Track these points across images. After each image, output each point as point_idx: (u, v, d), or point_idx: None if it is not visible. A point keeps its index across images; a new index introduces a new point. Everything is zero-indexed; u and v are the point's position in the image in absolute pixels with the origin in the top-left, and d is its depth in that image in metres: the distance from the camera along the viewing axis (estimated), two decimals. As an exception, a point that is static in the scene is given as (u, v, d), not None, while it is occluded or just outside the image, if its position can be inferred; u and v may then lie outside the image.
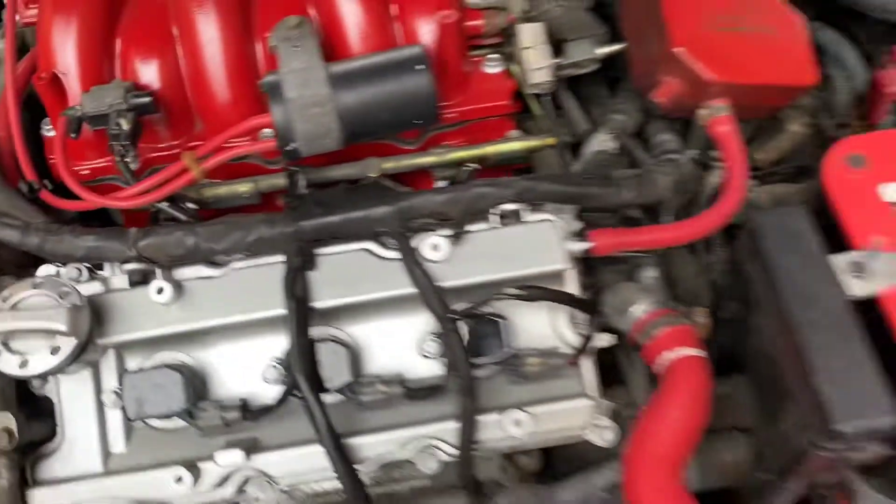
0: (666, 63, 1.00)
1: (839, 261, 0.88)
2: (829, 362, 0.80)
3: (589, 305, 0.93)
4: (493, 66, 1.06)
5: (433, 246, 0.89)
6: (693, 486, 1.04)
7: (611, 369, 1.04)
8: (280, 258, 0.90)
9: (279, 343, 0.90)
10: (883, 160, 0.95)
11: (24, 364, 0.82)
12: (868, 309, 0.86)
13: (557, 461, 1.09)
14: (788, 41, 1.04)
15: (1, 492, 0.84)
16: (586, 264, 1.04)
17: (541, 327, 0.94)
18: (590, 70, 1.11)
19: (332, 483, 0.91)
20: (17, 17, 1.07)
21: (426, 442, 0.90)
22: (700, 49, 0.98)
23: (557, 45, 1.10)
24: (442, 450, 0.91)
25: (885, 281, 0.86)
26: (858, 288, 0.86)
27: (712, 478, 1.05)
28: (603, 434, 0.96)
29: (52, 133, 1.03)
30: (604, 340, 0.98)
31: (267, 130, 0.92)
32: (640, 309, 0.97)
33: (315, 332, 0.89)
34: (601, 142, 1.08)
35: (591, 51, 1.09)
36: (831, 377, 0.79)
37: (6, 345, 0.83)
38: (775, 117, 1.17)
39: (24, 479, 0.88)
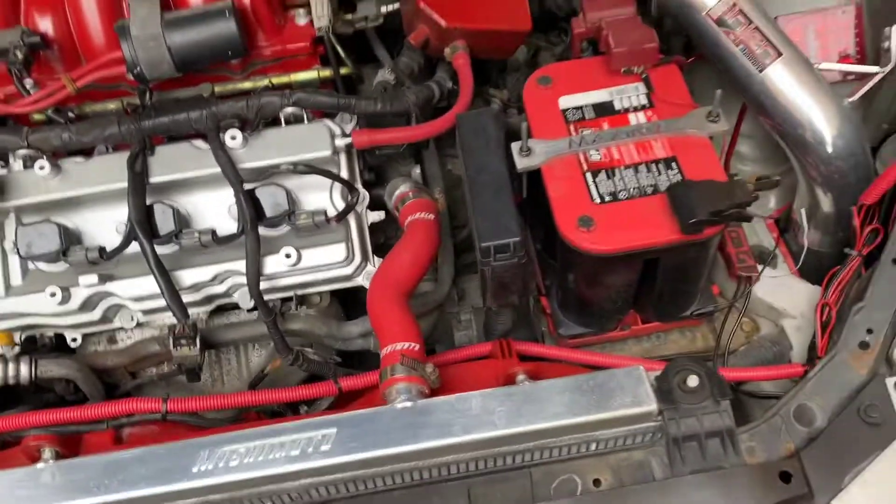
0: (417, 14, 1.39)
1: (514, 145, 1.27)
2: (484, 206, 1.19)
3: (345, 181, 1.32)
4: (301, 18, 1.45)
5: (232, 136, 1.28)
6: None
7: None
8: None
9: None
10: (563, 82, 1.34)
11: (-55, 213, 1.21)
12: (535, 174, 1.25)
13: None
14: (509, -2, 1.43)
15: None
16: (378, 170, 1.45)
17: (319, 196, 1.33)
18: (377, 23, 1.50)
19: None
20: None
21: (234, 276, 1.30)
22: (437, 4, 1.38)
23: (353, 3, 1.51)
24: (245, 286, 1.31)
25: (540, 159, 1.25)
26: (525, 162, 1.25)
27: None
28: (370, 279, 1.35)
29: (-27, 69, 1.42)
30: (374, 216, 1.38)
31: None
32: (400, 190, 1.37)
33: (151, 199, 1.28)
34: (383, 75, 1.47)
35: (375, 8, 1.48)
36: (484, 214, 1.19)
37: (-68, 203, 1.22)
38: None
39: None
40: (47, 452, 1.11)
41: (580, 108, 1.30)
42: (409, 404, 1.10)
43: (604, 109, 1.29)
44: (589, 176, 1.22)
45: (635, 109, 1.29)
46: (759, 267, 1.39)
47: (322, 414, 1.14)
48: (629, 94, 1.31)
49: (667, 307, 1.36)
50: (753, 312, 1.42)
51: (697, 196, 1.13)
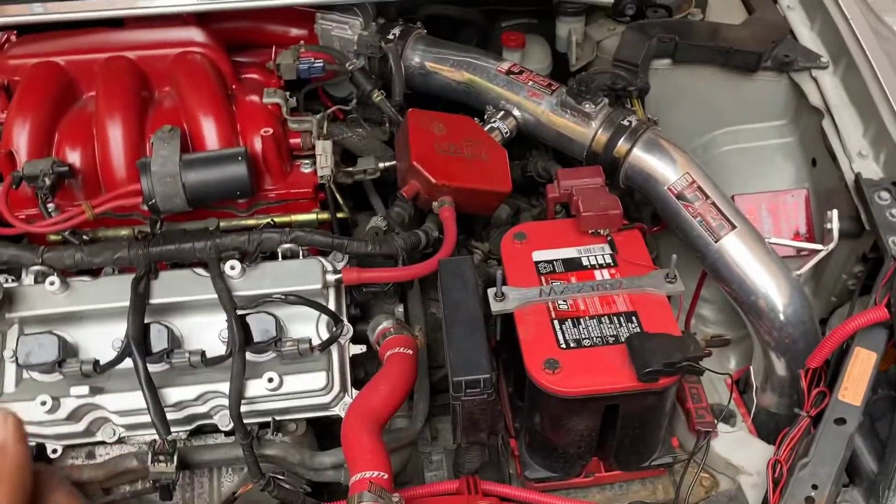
0: (410, 171, 1.56)
1: (490, 290, 1.38)
2: (458, 343, 1.29)
3: (331, 313, 1.41)
4: (306, 168, 1.61)
5: (231, 267, 1.40)
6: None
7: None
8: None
9: (125, 327, 1.38)
10: (537, 238, 1.48)
11: (-48, 320, 1.30)
12: (509, 319, 1.36)
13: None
14: (493, 163, 1.61)
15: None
16: (364, 307, 1.56)
17: (306, 327, 1.43)
18: (374, 177, 1.67)
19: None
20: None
21: (217, 398, 1.36)
22: (428, 162, 1.54)
23: (355, 158, 1.68)
24: (227, 408, 1.37)
25: (514, 304, 1.36)
26: (499, 307, 1.36)
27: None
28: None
29: None
30: (356, 349, 1.47)
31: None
32: (382, 325, 1.47)
33: (149, 318, 1.37)
34: (376, 221, 1.61)
35: (373, 163, 1.65)
36: (457, 350, 1.28)
37: (-58, 308, 1.31)
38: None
39: (-58, 404, 1.33)
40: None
41: (551, 262, 1.43)
42: (371, 534, 1.13)
43: (572, 265, 1.42)
44: (556, 323, 1.32)
45: (601, 267, 1.42)
46: (717, 423, 1.46)
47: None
48: (595, 253, 1.44)
49: (628, 455, 1.42)
50: (713, 468, 1.48)
51: (653, 347, 1.23)
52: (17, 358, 1.34)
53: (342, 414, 1.43)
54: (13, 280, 1.42)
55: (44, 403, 1.31)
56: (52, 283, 1.37)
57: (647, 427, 1.37)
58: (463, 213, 1.60)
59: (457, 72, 1.76)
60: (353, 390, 1.45)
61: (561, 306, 1.34)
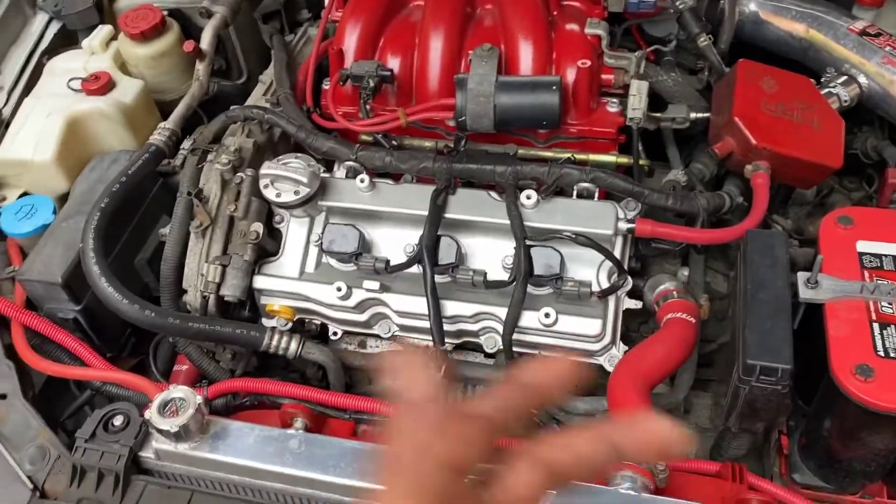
0: (728, 126, 1.43)
1: (801, 275, 1.24)
2: (759, 324, 1.18)
3: (617, 262, 1.36)
4: (612, 107, 1.54)
5: (527, 196, 1.38)
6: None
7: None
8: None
9: (418, 234, 1.42)
10: (865, 226, 1.30)
11: (278, 196, 1.42)
12: (816, 311, 1.22)
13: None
14: (826, 133, 1.43)
15: (247, 264, 1.42)
16: (644, 261, 1.49)
17: (587, 269, 1.39)
18: (683, 126, 1.56)
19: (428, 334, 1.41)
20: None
21: (489, 320, 1.38)
22: (751, 120, 1.40)
23: (666, 103, 1.58)
24: (498, 332, 1.39)
25: (827, 294, 1.22)
26: (809, 294, 1.22)
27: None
28: (613, 362, 1.38)
29: (327, 87, 1.65)
30: (631, 304, 1.41)
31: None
32: (665, 286, 1.40)
33: (441, 231, 1.41)
34: (675, 174, 1.51)
35: (684, 112, 1.54)
36: (756, 331, 1.17)
37: (272, 183, 1.42)
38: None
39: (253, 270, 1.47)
40: (299, 422, 1.24)
41: (880, 256, 1.25)
42: (632, 493, 1.10)
43: (905, 265, 1.24)
44: (876, 326, 1.16)
45: (942, 275, 1.22)
46: None
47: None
48: (938, 258, 1.24)
49: (923, 489, 1.25)
50: None
51: None
52: (321, 243, 1.44)
53: (605, 364, 1.39)
54: (325, 171, 1.51)
55: (339, 290, 1.40)
56: (362, 181, 1.44)
57: (959, 465, 1.19)
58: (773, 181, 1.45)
59: (797, 24, 1.58)
60: (622, 345, 1.40)
61: (884, 309, 1.18)
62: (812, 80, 1.51)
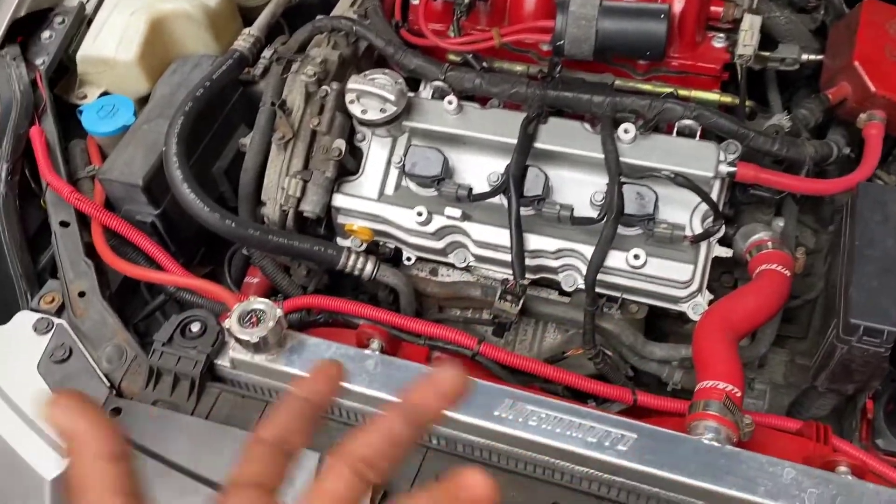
0: (846, 71, 1.33)
1: (912, 234, 1.17)
2: (866, 281, 1.12)
3: (715, 207, 1.29)
4: (718, 42, 1.45)
5: (625, 130, 1.31)
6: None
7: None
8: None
9: (504, 163, 1.37)
10: None
11: (363, 112, 1.37)
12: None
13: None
14: (953, 85, 1.32)
15: (328, 181, 1.39)
16: (737, 208, 1.42)
17: (680, 211, 1.33)
18: (792, 68, 1.46)
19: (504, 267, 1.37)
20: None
21: (572, 257, 1.34)
22: (872, 67, 1.31)
23: (776, 42, 1.48)
24: (579, 270, 1.34)
25: (944, 257, 1.14)
26: (923, 256, 1.15)
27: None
28: (697, 311, 1.33)
29: (416, 1, 1.58)
30: (722, 252, 1.35)
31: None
32: (759, 236, 1.33)
33: (529, 162, 1.35)
34: (779, 118, 1.43)
35: (795, 52, 1.44)
36: (863, 290, 1.11)
37: (358, 99, 1.38)
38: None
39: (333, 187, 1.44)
40: (376, 343, 1.22)
41: None
42: (716, 444, 1.06)
43: None
44: None
45: None
46: None
47: (623, 416, 1.14)
48: None
49: None
50: None
51: None
52: (403, 165, 1.40)
53: (689, 312, 1.34)
54: (410, 91, 1.46)
55: (420, 214, 1.37)
56: (450, 103, 1.38)
57: None
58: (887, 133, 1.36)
59: (931, -37, 1.45)
60: (707, 293, 1.35)
61: None
62: (942, 26, 1.40)
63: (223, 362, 1.24)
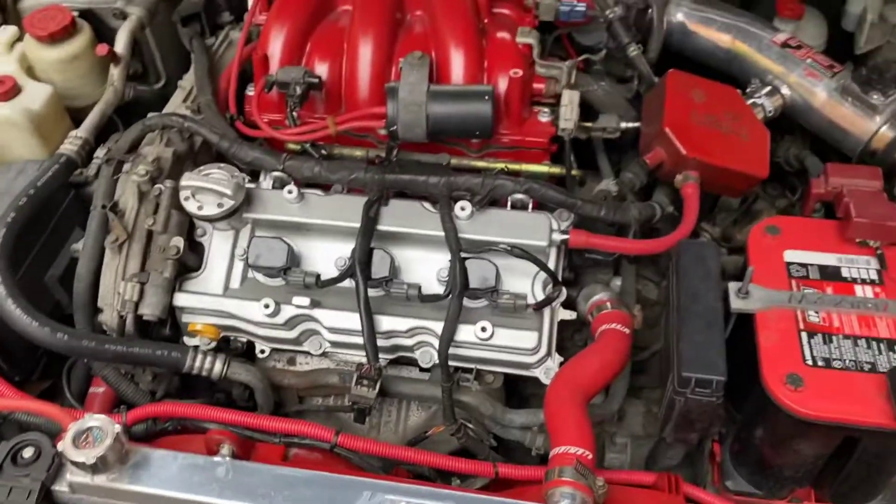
0: (658, 137, 1.44)
1: (732, 285, 1.26)
2: (693, 336, 1.19)
3: (552, 274, 1.35)
4: (544, 116, 1.53)
5: (462, 207, 1.36)
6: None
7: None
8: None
9: (349, 247, 1.37)
10: (792, 235, 1.33)
11: (200, 208, 1.35)
12: (747, 320, 1.24)
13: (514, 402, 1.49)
14: (752, 143, 1.45)
15: (167, 281, 1.35)
16: (577, 271, 1.49)
17: (522, 280, 1.37)
18: (614, 136, 1.56)
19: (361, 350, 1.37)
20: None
21: (424, 335, 1.35)
22: (681, 131, 1.42)
23: (597, 113, 1.58)
24: (433, 346, 1.36)
25: (757, 304, 1.23)
26: (740, 304, 1.24)
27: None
28: (549, 374, 1.37)
29: (251, 93, 1.59)
30: (566, 315, 1.40)
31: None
32: (599, 296, 1.39)
33: (374, 244, 1.37)
34: (606, 184, 1.52)
35: (615, 122, 1.54)
36: (691, 344, 1.18)
37: (193, 195, 1.35)
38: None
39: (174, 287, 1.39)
40: (226, 449, 1.18)
41: (805, 265, 1.28)
42: (572, 511, 1.08)
43: (829, 274, 1.27)
44: (804, 335, 1.19)
45: (863, 282, 1.25)
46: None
47: (483, 493, 1.14)
48: (859, 266, 1.28)
49: (848, 492, 1.28)
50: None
51: (924, 388, 1.07)
52: (247, 257, 1.38)
53: (541, 377, 1.38)
54: (250, 182, 1.45)
55: (267, 306, 1.35)
56: (290, 192, 1.38)
57: (883, 467, 1.22)
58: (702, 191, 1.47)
59: (723, 35, 1.61)
60: (557, 356, 1.39)
61: (811, 318, 1.21)
62: (738, 90, 1.54)
63: (61, 488, 1.15)
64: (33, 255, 1.42)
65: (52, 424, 1.28)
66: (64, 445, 1.10)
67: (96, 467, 1.10)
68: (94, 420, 1.12)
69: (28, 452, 1.17)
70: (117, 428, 1.11)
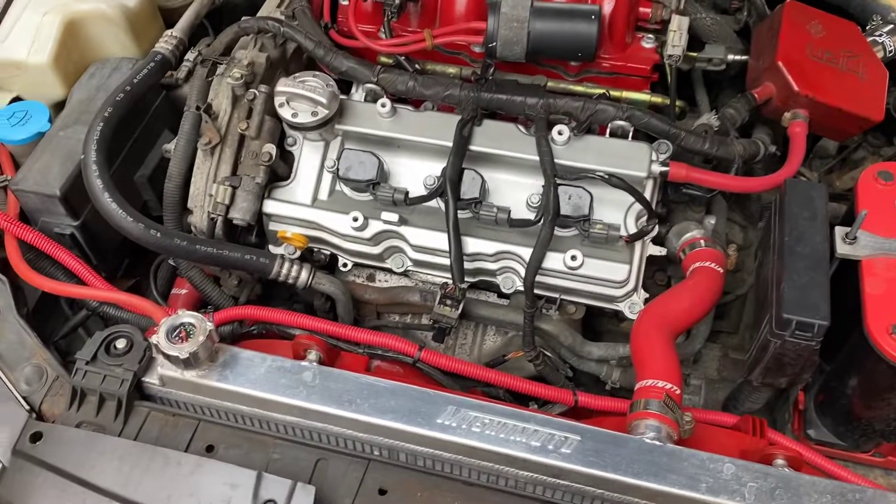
0: (769, 70, 1.37)
1: (839, 229, 1.20)
2: (796, 277, 1.14)
3: (649, 206, 1.30)
4: (647, 43, 1.47)
5: (559, 132, 1.31)
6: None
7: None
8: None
9: (438, 166, 1.35)
10: (908, 181, 1.26)
11: (294, 115, 1.33)
12: (850, 266, 1.19)
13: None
14: (869, 84, 1.37)
15: (258, 186, 1.34)
16: (669, 207, 1.44)
17: (615, 212, 1.33)
18: (719, 68, 1.49)
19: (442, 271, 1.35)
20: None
21: (510, 260, 1.33)
22: (795, 66, 1.34)
23: (702, 43, 1.50)
24: (517, 272, 1.34)
25: (865, 251, 1.18)
26: (847, 249, 1.19)
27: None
28: (634, 309, 1.34)
29: (345, 2, 1.55)
30: (656, 250, 1.36)
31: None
32: (692, 234, 1.35)
33: (465, 164, 1.34)
34: (707, 118, 1.45)
35: (721, 53, 1.47)
36: (794, 286, 1.13)
37: (288, 102, 1.34)
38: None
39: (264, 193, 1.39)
40: (313, 354, 1.19)
41: (920, 214, 1.21)
42: (657, 443, 1.07)
43: (947, 224, 1.20)
44: (915, 286, 1.13)
45: (981, 235, 1.19)
46: None
47: (564, 418, 1.13)
48: (977, 218, 1.20)
49: (938, 451, 1.24)
50: None
51: None
52: (337, 169, 1.37)
53: (625, 311, 1.35)
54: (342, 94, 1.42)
55: (356, 219, 1.34)
56: (383, 105, 1.36)
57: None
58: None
59: (846, -33, 1.50)
60: (642, 291, 1.36)
61: (924, 268, 1.15)
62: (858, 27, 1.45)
63: (151, 380, 1.18)
64: (124, 153, 1.42)
65: (141, 319, 1.30)
66: (158, 338, 1.11)
67: (188, 362, 1.12)
68: (188, 316, 1.13)
69: (121, 344, 1.20)
70: (210, 325, 1.12)
